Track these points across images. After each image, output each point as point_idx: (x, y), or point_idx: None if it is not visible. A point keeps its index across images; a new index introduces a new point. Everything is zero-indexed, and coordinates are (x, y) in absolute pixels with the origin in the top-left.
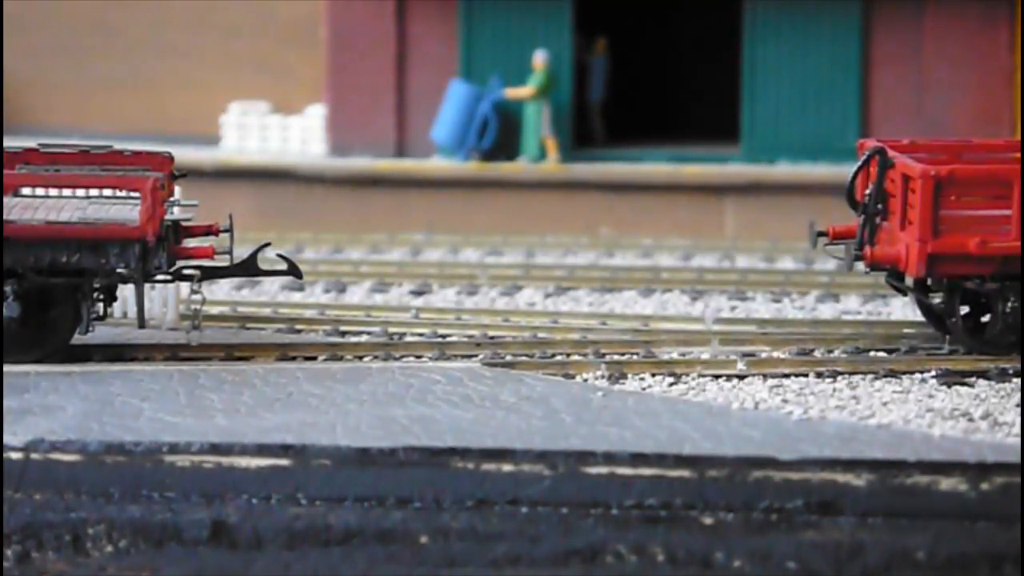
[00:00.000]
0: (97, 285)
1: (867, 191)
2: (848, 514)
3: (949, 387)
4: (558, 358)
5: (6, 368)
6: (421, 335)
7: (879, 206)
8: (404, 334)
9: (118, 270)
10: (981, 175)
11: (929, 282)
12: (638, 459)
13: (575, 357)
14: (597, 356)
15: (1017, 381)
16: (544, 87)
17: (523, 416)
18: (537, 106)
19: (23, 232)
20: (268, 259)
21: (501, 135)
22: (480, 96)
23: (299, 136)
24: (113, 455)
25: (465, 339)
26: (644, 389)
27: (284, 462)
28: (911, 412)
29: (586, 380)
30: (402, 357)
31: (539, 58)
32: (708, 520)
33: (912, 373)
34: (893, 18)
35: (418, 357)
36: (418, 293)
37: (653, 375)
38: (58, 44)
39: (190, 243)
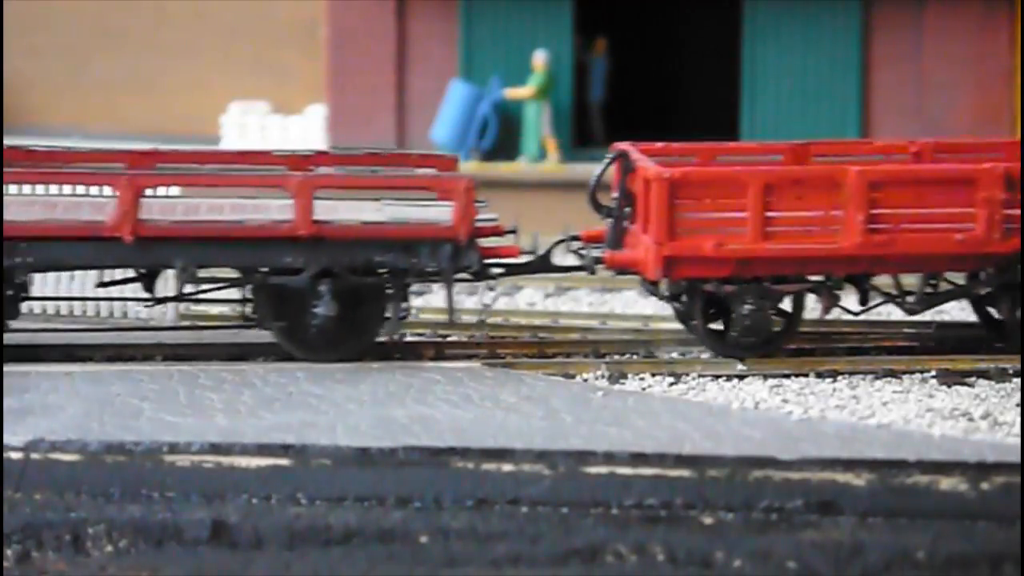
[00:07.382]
0: (407, 284)
1: (614, 195)
2: (848, 514)
3: (949, 387)
4: (558, 358)
5: (6, 368)
6: (421, 335)
7: (626, 209)
8: (404, 334)
9: (427, 269)
10: (715, 177)
11: (666, 285)
12: (638, 459)
13: (575, 357)
14: (597, 356)
15: (1017, 381)
16: (544, 87)
17: (523, 416)
18: (537, 106)
19: (338, 232)
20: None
21: (501, 135)
22: (480, 96)
23: (299, 136)
24: (113, 455)
25: (465, 339)
26: (644, 389)
27: (284, 462)
28: (911, 412)
29: (586, 380)
30: (402, 357)
31: (539, 58)
32: (708, 520)
33: (912, 373)
34: (893, 18)
35: (418, 357)
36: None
37: (653, 375)
38: (58, 44)
39: (485, 243)
